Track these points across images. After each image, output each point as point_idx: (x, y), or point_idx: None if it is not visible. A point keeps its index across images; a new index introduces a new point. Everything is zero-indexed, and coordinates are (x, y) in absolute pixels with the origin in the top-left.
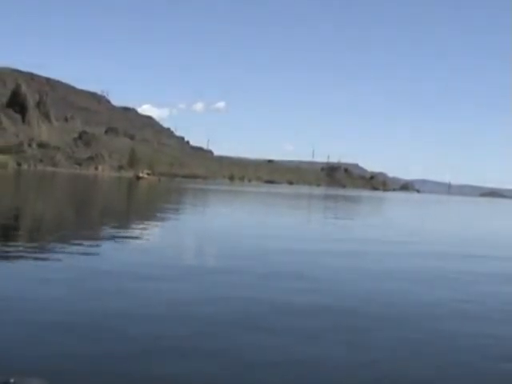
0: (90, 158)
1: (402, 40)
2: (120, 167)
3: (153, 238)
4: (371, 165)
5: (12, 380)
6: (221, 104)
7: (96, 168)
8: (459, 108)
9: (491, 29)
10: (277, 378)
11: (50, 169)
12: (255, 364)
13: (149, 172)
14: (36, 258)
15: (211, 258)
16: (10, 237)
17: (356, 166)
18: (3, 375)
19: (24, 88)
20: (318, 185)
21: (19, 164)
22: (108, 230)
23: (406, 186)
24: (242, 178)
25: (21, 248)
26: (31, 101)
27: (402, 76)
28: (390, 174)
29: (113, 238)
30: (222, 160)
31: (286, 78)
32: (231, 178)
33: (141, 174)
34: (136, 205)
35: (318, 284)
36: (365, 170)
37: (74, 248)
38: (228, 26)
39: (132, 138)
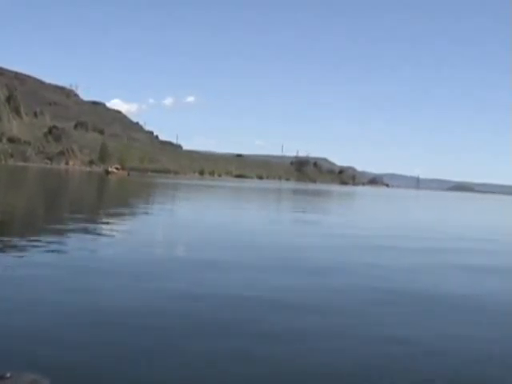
0: (61, 153)
1: (403, 37)
2: (91, 162)
3: (122, 231)
4: (340, 159)
5: (8, 374)
6: (190, 99)
7: (67, 163)
8: (429, 102)
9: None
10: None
11: (20, 164)
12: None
13: (118, 167)
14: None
15: (182, 251)
16: None
17: (325, 160)
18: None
19: None
20: (288, 179)
21: None
22: (75, 224)
23: (374, 181)
24: (212, 173)
25: None
26: (1, 96)
27: (371, 70)
28: (359, 168)
29: (81, 231)
30: (192, 155)
31: (257, 72)
32: (201, 173)
33: (110, 169)
34: (104, 199)
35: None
36: (334, 164)
37: (43, 242)
38: (199, 21)
39: (101, 132)
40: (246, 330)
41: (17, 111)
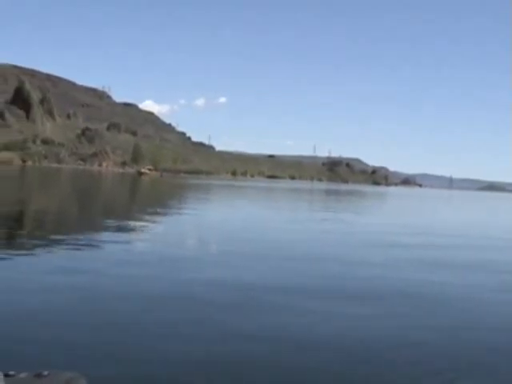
0: (94, 155)
1: (404, 37)
2: (123, 163)
3: (156, 231)
4: (373, 159)
5: (46, 372)
6: (222, 99)
7: (100, 164)
8: (460, 102)
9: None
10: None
11: (54, 165)
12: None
13: (150, 168)
14: (38, 254)
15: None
16: (12, 232)
17: (357, 160)
18: (37, 368)
19: (28, 85)
20: (320, 180)
21: (24, 161)
22: (110, 225)
23: (407, 181)
24: (244, 174)
25: (23, 243)
26: (35, 98)
27: (402, 72)
28: (392, 169)
29: (115, 231)
30: (224, 155)
31: (288, 73)
32: (234, 174)
33: (143, 170)
34: (138, 200)
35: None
36: (366, 165)
37: (78, 242)
38: (231, 22)
39: (134, 133)
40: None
41: (50, 113)
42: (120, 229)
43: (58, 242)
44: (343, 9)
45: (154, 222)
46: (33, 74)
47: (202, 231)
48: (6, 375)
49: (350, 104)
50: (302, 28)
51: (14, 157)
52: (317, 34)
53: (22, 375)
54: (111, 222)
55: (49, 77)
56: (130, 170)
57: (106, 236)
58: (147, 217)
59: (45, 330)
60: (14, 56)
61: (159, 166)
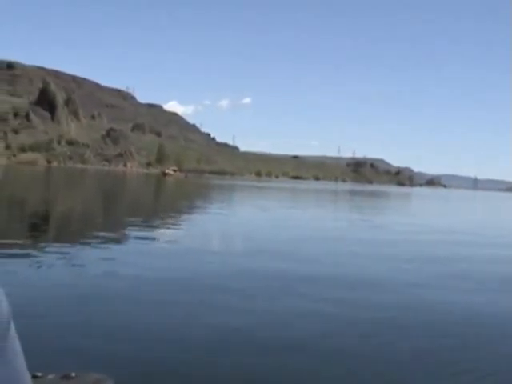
0: (119, 155)
1: (426, 32)
2: (148, 164)
3: (182, 231)
4: (397, 160)
5: (73, 374)
6: (247, 100)
7: (125, 165)
8: (485, 102)
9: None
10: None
11: (79, 166)
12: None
13: (175, 168)
14: (64, 254)
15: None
16: (38, 232)
17: (382, 161)
18: (64, 369)
19: (53, 86)
20: (344, 180)
21: (49, 161)
22: (135, 225)
23: (431, 181)
24: (268, 174)
25: (48, 243)
26: (60, 99)
27: (425, 70)
28: (416, 169)
29: (140, 232)
30: (248, 156)
31: (313, 73)
32: (258, 174)
33: (167, 171)
34: (163, 200)
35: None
36: (390, 165)
37: (103, 244)
38: (254, 24)
39: (158, 134)
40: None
41: (75, 114)
42: (145, 232)
43: (80, 245)
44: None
45: (180, 224)
46: (57, 75)
47: (250, 233)
48: (34, 376)
49: (375, 104)
50: (326, 28)
51: (39, 157)
52: (338, 35)
53: (50, 376)
54: (135, 226)
55: (74, 78)
56: (155, 170)
57: (129, 240)
58: (173, 219)
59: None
60: (38, 57)
61: (183, 166)
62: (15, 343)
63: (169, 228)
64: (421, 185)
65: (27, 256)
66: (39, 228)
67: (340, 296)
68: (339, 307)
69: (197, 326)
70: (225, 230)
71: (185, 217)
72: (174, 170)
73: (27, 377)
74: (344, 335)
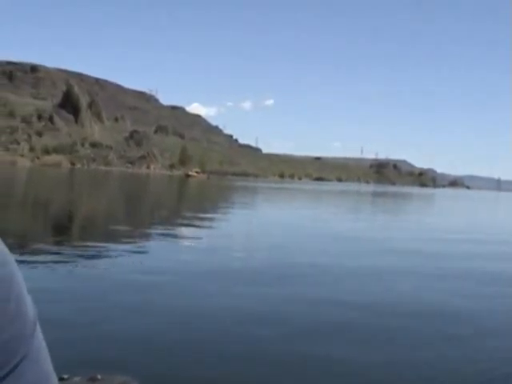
0: (142, 157)
1: (452, 37)
2: (171, 166)
3: (206, 233)
4: (420, 161)
5: (99, 376)
6: (269, 101)
7: (148, 167)
8: (506, 104)
9: None
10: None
11: (103, 168)
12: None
13: (198, 170)
14: (89, 256)
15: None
16: (62, 233)
17: (404, 162)
18: (90, 372)
19: (76, 89)
20: (367, 182)
21: (73, 163)
22: (160, 227)
23: (454, 183)
24: (291, 176)
25: (72, 245)
26: (83, 101)
27: (448, 72)
28: (439, 170)
29: (166, 233)
30: (271, 158)
31: (336, 74)
32: (281, 176)
33: (190, 173)
34: (187, 202)
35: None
36: (413, 167)
37: (127, 245)
38: (277, 25)
39: (181, 136)
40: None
41: (98, 116)
42: (170, 233)
43: (103, 248)
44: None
45: (204, 225)
46: (81, 77)
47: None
48: (61, 379)
49: (398, 105)
50: (347, 30)
51: (62, 159)
52: (356, 35)
53: (76, 379)
54: (160, 226)
55: (97, 80)
56: (178, 172)
57: (155, 242)
58: (198, 220)
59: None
60: (62, 60)
61: (206, 168)
62: (42, 345)
63: (206, 227)
64: (443, 186)
65: (70, 256)
66: (73, 229)
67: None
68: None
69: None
70: (260, 230)
71: (205, 221)
72: (197, 172)
73: (54, 379)
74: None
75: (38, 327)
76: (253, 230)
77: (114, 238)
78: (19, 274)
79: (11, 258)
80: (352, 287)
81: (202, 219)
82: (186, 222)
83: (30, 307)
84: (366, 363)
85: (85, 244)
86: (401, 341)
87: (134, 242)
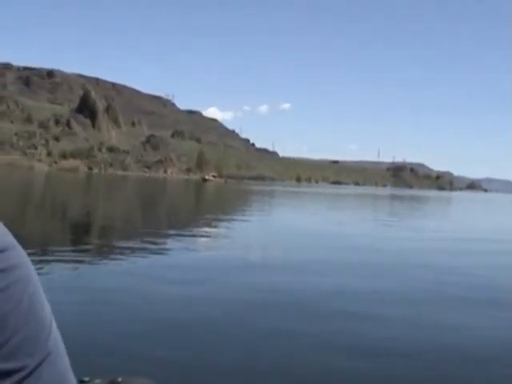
0: (159, 162)
1: (467, 36)
2: (188, 170)
3: (226, 236)
4: (437, 164)
5: (120, 379)
6: (286, 105)
7: (165, 171)
8: None
9: None
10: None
11: (120, 172)
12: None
13: (214, 174)
14: (107, 259)
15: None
16: (80, 238)
17: (422, 165)
18: (111, 374)
19: (93, 94)
20: (384, 185)
21: (90, 168)
22: (179, 230)
23: (472, 185)
24: (308, 179)
25: (90, 248)
26: (100, 106)
27: (464, 74)
28: (456, 173)
29: (184, 236)
30: (288, 161)
31: (350, 78)
32: (298, 180)
33: (207, 177)
34: (205, 206)
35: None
36: (431, 170)
37: (155, 245)
38: (291, 30)
39: (198, 140)
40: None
41: (115, 121)
42: (189, 236)
43: (122, 251)
44: None
45: (223, 229)
46: (97, 82)
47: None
48: (81, 381)
49: (415, 108)
50: (351, 35)
51: (80, 164)
52: (374, 40)
53: (97, 381)
54: (179, 230)
55: (113, 85)
56: (195, 176)
57: (173, 243)
58: (216, 224)
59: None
60: (78, 65)
61: (223, 172)
62: (59, 346)
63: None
64: (461, 189)
65: (92, 260)
66: (94, 231)
67: None
68: None
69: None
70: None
71: (222, 225)
72: (214, 176)
73: (72, 380)
74: None
75: (55, 328)
76: (278, 239)
77: (133, 239)
78: (34, 274)
79: (27, 259)
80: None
81: (221, 222)
82: (203, 225)
83: (45, 308)
84: None
85: (105, 245)
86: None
87: (154, 244)
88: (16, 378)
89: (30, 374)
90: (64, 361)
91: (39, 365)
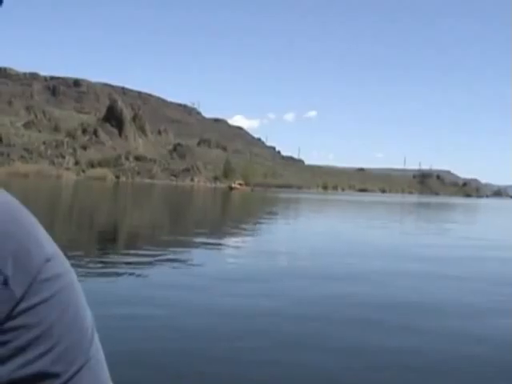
0: (186, 170)
1: (492, 41)
2: (215, 178)
3: (254, 244)
4: (463, 171)
5: None
6: (312, 113)
7: (192, 179)
8: None
9: None
10: None
11: (147, 181)
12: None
13: (241, 182)
14: (134, 267)
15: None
16: (108, 245)
17: (448, 172)
18: None
19: (120, 103)
20: (410, 192)
21: (117, 177)
22: (207, 237)
23: (498, 192)
24: (335, 187)
25: (118, 256)
26: (127, 115)
27: (489, 79)
28: (483, 180)
29: (212, 244)
30: (314, 169)
31: (378, 85)
32: (325, 187)
33: (233, 185)
34: (233, 214)
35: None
36: (457, 177)
37: (177, 254)
38: (318, 37)
39: (224, 149)
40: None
41: (142, 130)
42: (218, 244)
43: (150, 259)
44: None
45: (251, 237)
46: (123, 91)
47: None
48: None
49: (441, 115)
50: (376, 36)
51: (107, 173)
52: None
53: None
54: (206, 237)
55: (139, 94)
56: (222, 185)
57: (199, 251)
58: (243, 232)
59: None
60: (104, 74)
61: (249, 180)
62: (99, 352)
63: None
64: (487, 196)
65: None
66: (124, 238)
67: None
68: None
69: None
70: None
71: (248, 233)
72: (240, 184)
73: None
74: None
75: (96, 334)
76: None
77: (162, 247)
78: (77, 281)
79: (69, 266)
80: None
81: (250, 229)
82: (231, 232)
83: (87, 315)
84: None
85: (134, 252)
86: None
87: (184, 251)
88: (56, 383)
89: (70, 379)
90: (103, 369)
91: (79, 371)
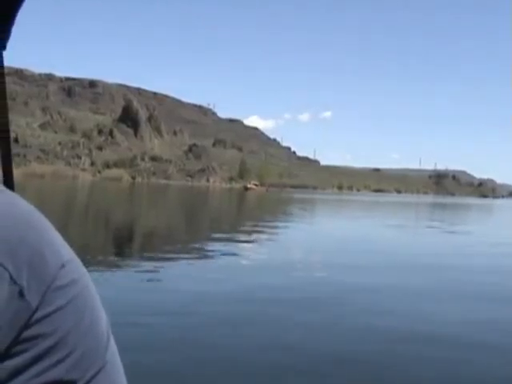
0: (201, 170)
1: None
2: (231, 179)
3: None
4: (479, 171)
5: None
6: (327, 113)
7: (207, 180)
8: None
9: None
10: None
11: (162, 181)
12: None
13: (256, 183)
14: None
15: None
16: (124, 246)
17: (464, 172)
18: None
19: (136, 103)
20: (426, 193)
21: (133, 177)
22: (220, 240)
23: None
24: (350, 188)
25: (134, 257)
26: (142, 116)
27: (505, 79)
28: (499, 181)
29: (227, 245)
30: (329, 169)
31: (391, 86)
32: (340, 188)
33: (248, 185)
34: (248, 214)
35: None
36: (473, 177)
37: (193, 255)
38: (332, 36)
39: (240, 149)
40: None
41: (158, 130)
42: (233, 245)
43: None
44: None
45: (268, 235)
46: (139, 92)
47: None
48: None
49: (456, 115)
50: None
51: (123, 173)
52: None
53: None
54: (221, 240)
55: (155, 94)
56: (237, 185)
57: (214, 253)
58: (261, 230)
59: None
60: (120, 75)
61: (265, 180)
62: (115, 356)
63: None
64: (503, 196)
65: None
66: (143, 240)
67: None
68: None
69: None
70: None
71: (267, 232)
72: (256, 185)
73: None
74: None
75: (111, 337)
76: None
77: (178, 249)
78: (92, 285)
79: (84, 270)
80: None
81: (268, 230)
82: (246, 233)
83: (103, 318)
84: None
85: (149, 255)
86: None
87: (200, 252)
88: None
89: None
90: (119, 372)
91: (95, 376)
